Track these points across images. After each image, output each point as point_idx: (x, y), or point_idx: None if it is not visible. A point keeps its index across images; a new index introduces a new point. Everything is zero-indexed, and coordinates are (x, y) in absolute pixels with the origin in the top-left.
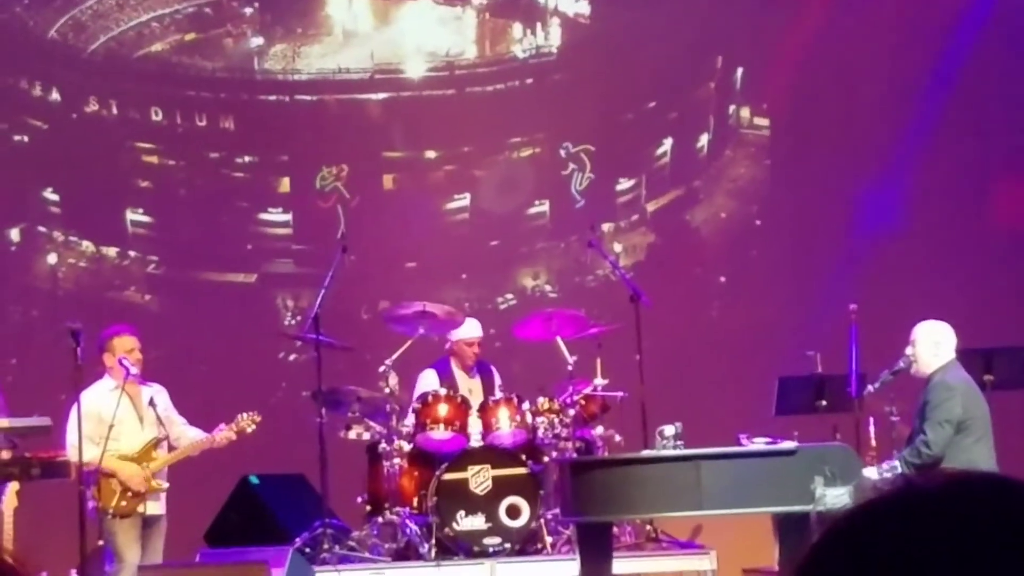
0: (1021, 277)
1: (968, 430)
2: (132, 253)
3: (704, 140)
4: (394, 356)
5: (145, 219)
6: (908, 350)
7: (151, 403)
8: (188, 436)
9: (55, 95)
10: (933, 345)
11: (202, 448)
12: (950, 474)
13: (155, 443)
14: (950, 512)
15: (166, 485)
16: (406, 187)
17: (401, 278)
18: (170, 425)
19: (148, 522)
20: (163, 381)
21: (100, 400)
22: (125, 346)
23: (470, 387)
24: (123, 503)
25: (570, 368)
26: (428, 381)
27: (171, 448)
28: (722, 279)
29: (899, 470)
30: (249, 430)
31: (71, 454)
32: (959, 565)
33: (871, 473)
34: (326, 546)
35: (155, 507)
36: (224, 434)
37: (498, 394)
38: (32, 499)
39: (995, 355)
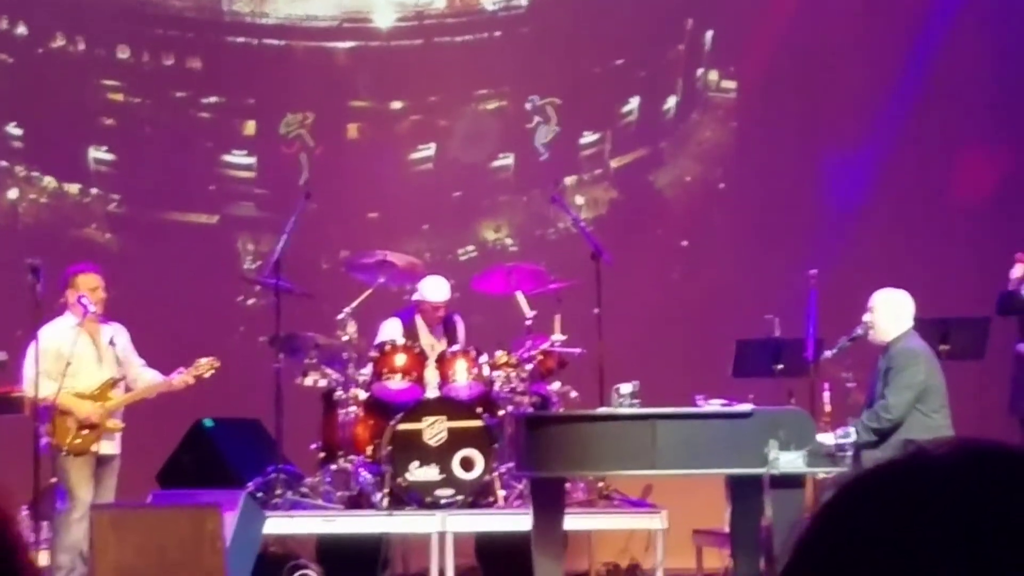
0: (979, 250)
1: (927, 399)
2: (94, 190)
3: (671, 102)
4: (353, 304)
5: (108, 157)
6: (866, 317)
7: (111, 342)
8: (145, 378)
9: (22, 28)
10: (892, 313)
11: (159, 391)
12: (960, 441)
13: (112, 383)
14: (962, 480)
15: (121, 425)
16: (371, 136)
17: (363, 227)
18: (128, 366)
19: (101, 461)
20: (121, 320)
21: (59, 337)
22: (88, 284)
23: (432, 343)
24: (77, 441)
25: (529, 323)
26: (391, 329)
27: (128, 389)
28: (684, 242)
29: (853, 436)
30: (207, 375)
31: (27, 389)
32: (971, 533)
33: (825, 439)
34: (278, 491)
35: (109, 447)
36: (182, 378)
37: (455, 346)
38: None
39: (951, 325)
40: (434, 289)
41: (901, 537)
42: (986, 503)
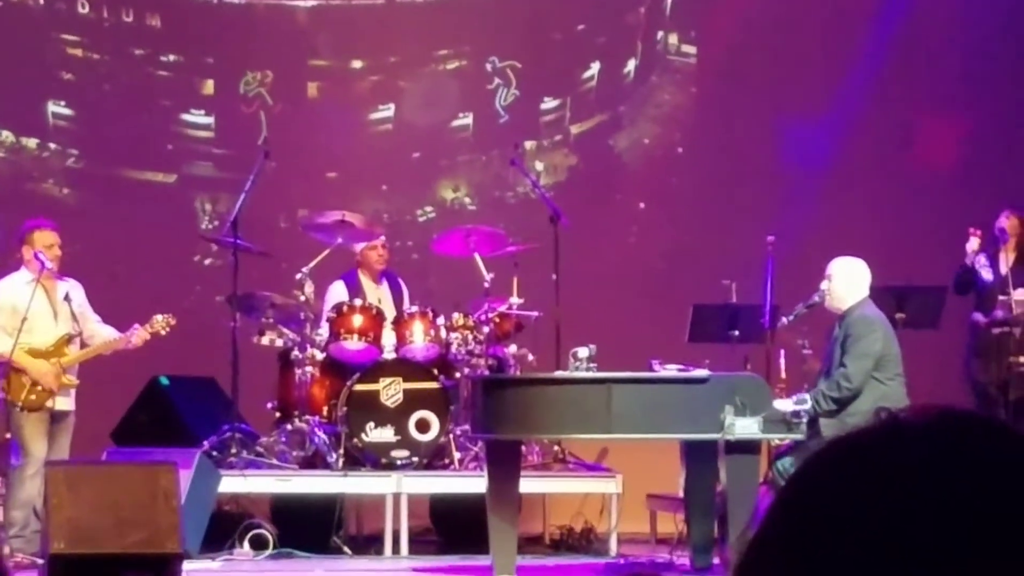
0: (937, 217)
1: (884, 367)
2: (52, 145)
3: (631, 65)
4: (311, 264)
5: (67, 112)
6: (823, 284)
7: (66, 298)
8: (101, 334)
9: None
10: (849, 281)
11: (115, 347)
12: (938, 408)
13: (68, 339)
14: (938, 446)
15: (76, 382)
16: (330, 96)
17: (321, 187)
18: (84, 322)
19: (56, 417)
20: (78, 276)
21: (15, 292)
22: (45, 241)
23: (379, 296)
24: (32, 397)
25: (487, 285)
26: (337, 293)
27: (83, 345)
28: (642, 205)
29: (809, 403)
30: (164, 332)
31: None
32: (950, 499)
33: (781, 405)
34: (233, 450)
35: (64, 403)
36: (139, 334)
37: (412, 308)
38: None
39: (908, 293)
40: (365, 230)
41: (878, 505)
42: (963, 469)
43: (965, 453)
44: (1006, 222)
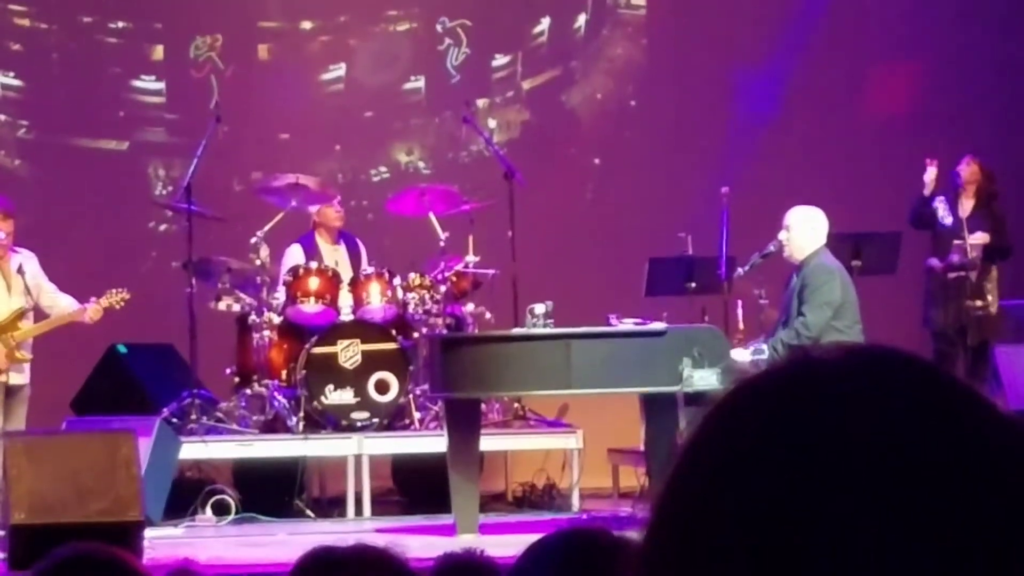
0: (890, 164)
1: (842, 314)
2: (2, 117)
3: (582, 20)
4: (266, 228)
5: (16, 83)
6: (781, 234)
7: (19, 270)
8: (60, 304)
9: None
10: (807, 230)
11: (69, 321)
12: (849, 345)
13: (21, 312)
14: (844, 379)
15: (29, 357)
16: (281, 58)
17: (274, 149)
18: (40, 292)
19: (10, 391)
20: (31, 247)
21: None
22: None
23: (336, 258)
24: None
25: (442, 244)
26: (294, 256)
27: (41, 316)
28: (596, 160)
29: (765, 354)
30: (118, 307)
31: None
32: (865, 436)
33: (739, 355)
34: (193, 417)
35: (18, 377)
36: (93, 309)
37: (369, 268)
38: None
39: (863, 240)
40: (319, 192)
41: (782, 443)
42: (867, 400)
43: (870, 383)
44: (966, 168)
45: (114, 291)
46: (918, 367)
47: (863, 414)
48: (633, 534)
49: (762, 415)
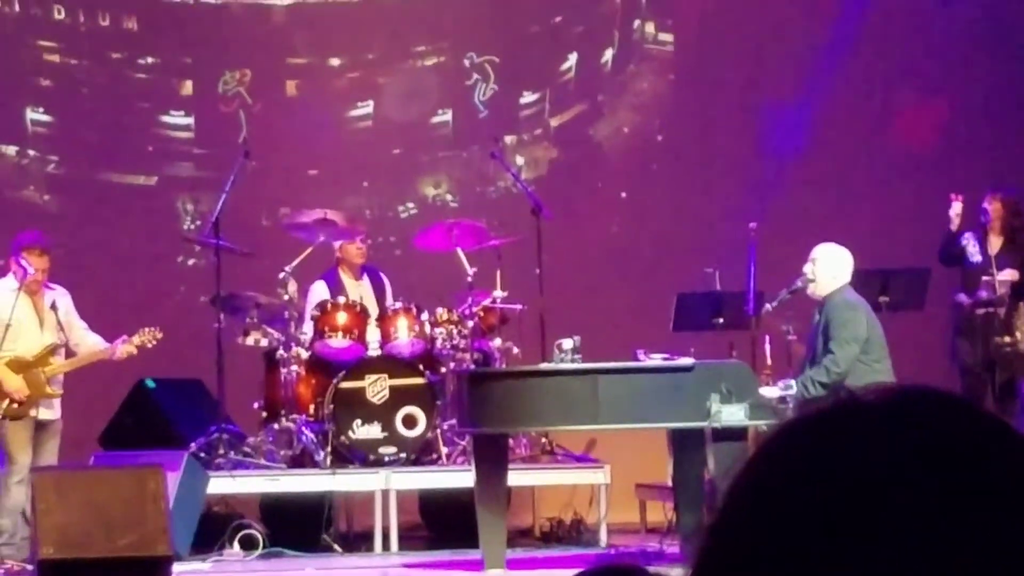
0: (918, 199)
1: (869, 350)
2: (32, 152)
3: (608, 55)
4: (294, 263)
5: (46, 118)
6: (806, 268)
7: (53, 307)
8: (88, 342)
9: None
10: (831, 268)
11: (100, 358)
12: (891, 386)
13: (53, 348)
14: (887, 418)
15: (59, 392)
16: (309, 94)
17: (302, 185)
18: (71, 330)
19: (41, 426)
20: (61, 282)
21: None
22: (32, 262)
23: (360, 292)
24: (13, 406)
25: (470, 279)
26: (318, 292)
27: (71, 353)
28: (623, 194)
29: (794, 389)
30: (150, 345)
31: None
32: (906, 478)
33: (768, 391)
34: (221, 451)
35: (48, 413)
36: (124, 348)
37: (396, 303)
38: None
39: (891, 276)
40: (347, 227)
41: (836, 476)
42: (910, 439)
43: (921, 428)
44: (989, 206)
45: (147, 330)
46: (961, 407)
47: (911, 454)
48: (662, 570)
49: (806, 459)
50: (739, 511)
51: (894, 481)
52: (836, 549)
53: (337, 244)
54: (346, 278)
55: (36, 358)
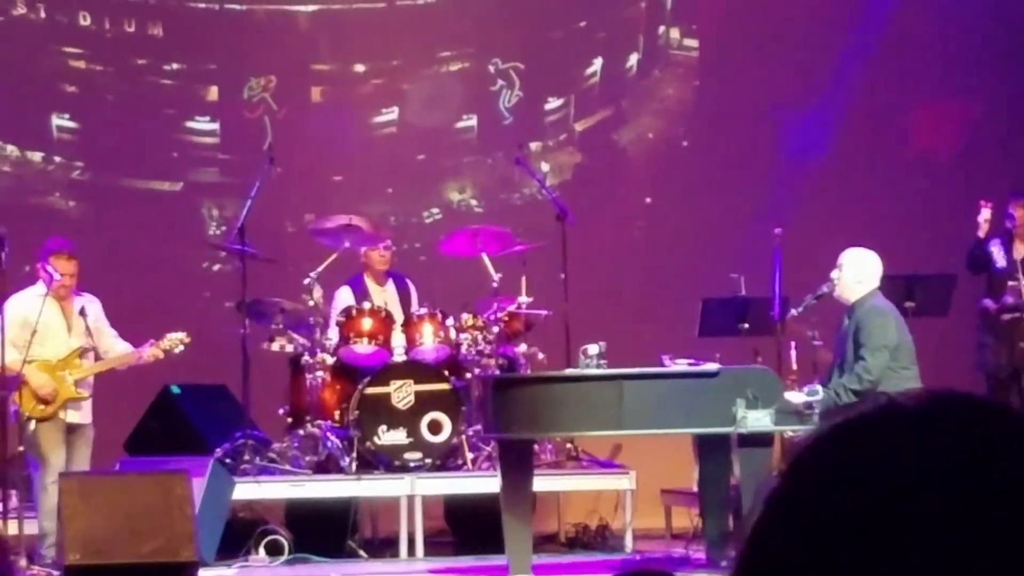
0: (943, 205)
1: (898, 356)
2: (57, 158)
3: (633, 60)
4: (319, 269)
5: (71, 124)
6: (834, 273)
7: (81, 312)
8: (116, 349)
9: None
10: (860, 272)
11: (128, 363)
12: (928, 391)
13: (80, 352)
14: (930, 425)
15: (86, 395)
16: (334, 100)
17: (327, 191)
18: (99, 336)
19: (72, 430)
20: (86, 287)
21: (26, 305)
22: (59, 267)
23: (385, 298)
24: (41, 407)
25: (495, 285)
26: (343, 298)
27: (98, 359)
28: (648, 199)
29: (820, 394)
30: (177, 351)
31: None
32: (935, 484)
33: (794, 397)
34: (246, 457)
35: (76, 416)
36: (151, 351)
37: (422, 309)
38: None
39: (917, 282)
40: (371, 234)
41: (871, 482)
42: (953, 446)
43: (961, 433)
44: (1015, 211)
45: (173, 334)
46: (995, 412)
47: (942, 460)
48: None
49: (849, 464)
50: (775, 519)
51: (924, 487)
52: (867, 556)
53: (362, 250)
54: (371, 284)
55: (63, 361)
